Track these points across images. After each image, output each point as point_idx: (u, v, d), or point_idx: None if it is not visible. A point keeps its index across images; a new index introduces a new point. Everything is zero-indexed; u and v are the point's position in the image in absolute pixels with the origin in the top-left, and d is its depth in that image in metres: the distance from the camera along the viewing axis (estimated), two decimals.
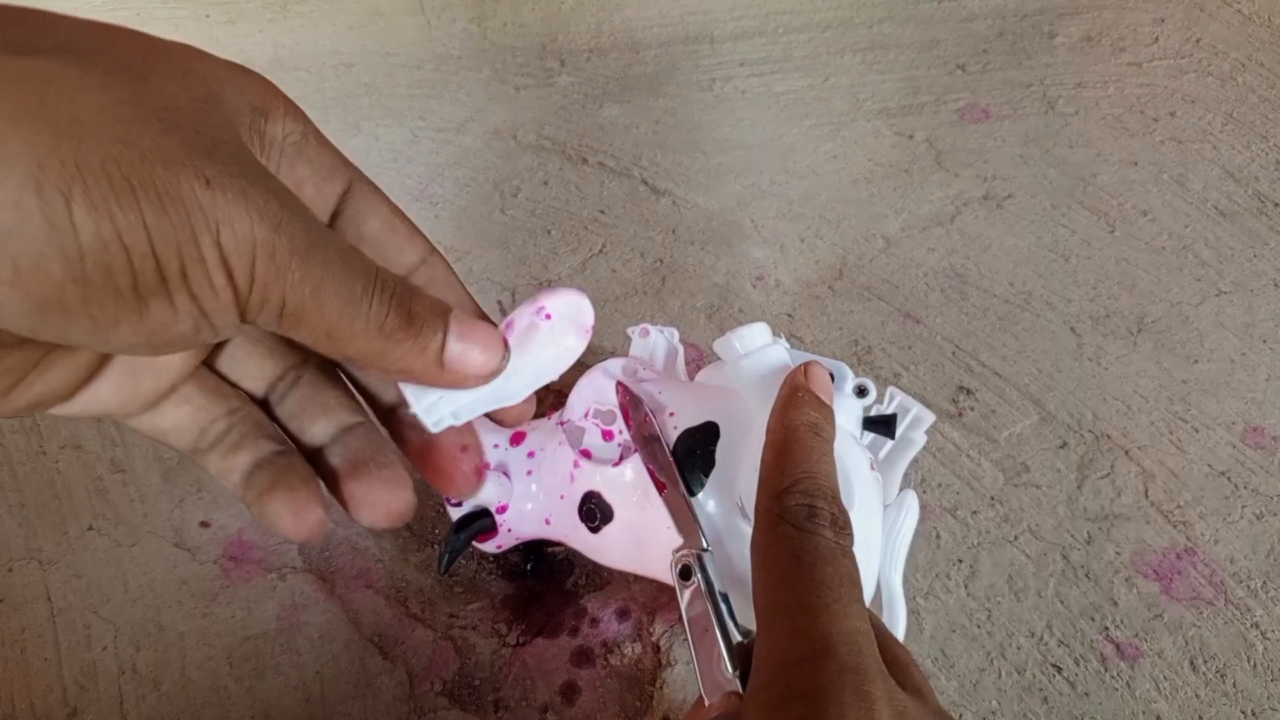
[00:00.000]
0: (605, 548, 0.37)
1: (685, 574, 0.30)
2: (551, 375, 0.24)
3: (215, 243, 0.16)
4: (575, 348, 0.24)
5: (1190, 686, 0.39)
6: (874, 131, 0.63)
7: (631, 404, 0.35)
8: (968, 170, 0.61)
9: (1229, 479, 0.45)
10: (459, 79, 0.68)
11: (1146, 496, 0.45)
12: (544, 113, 0.65)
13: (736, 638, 0.28)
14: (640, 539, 0.36)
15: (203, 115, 0.18)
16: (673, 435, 0.35)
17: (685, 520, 0.32)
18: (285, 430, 0.24)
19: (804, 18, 0.71)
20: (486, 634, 0.41)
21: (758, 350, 0.32)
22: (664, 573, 0.37)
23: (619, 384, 0.36)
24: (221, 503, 0.45)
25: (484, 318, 0.23)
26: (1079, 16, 0.71)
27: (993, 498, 0.45)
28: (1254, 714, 0.38)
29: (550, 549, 0.44)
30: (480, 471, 0.25)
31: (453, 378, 0.21)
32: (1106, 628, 0.41)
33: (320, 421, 0.23)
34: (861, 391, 0.37)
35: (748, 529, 0.33)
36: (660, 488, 0.33)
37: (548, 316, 0.23)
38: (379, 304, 0.19)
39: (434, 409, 0.22)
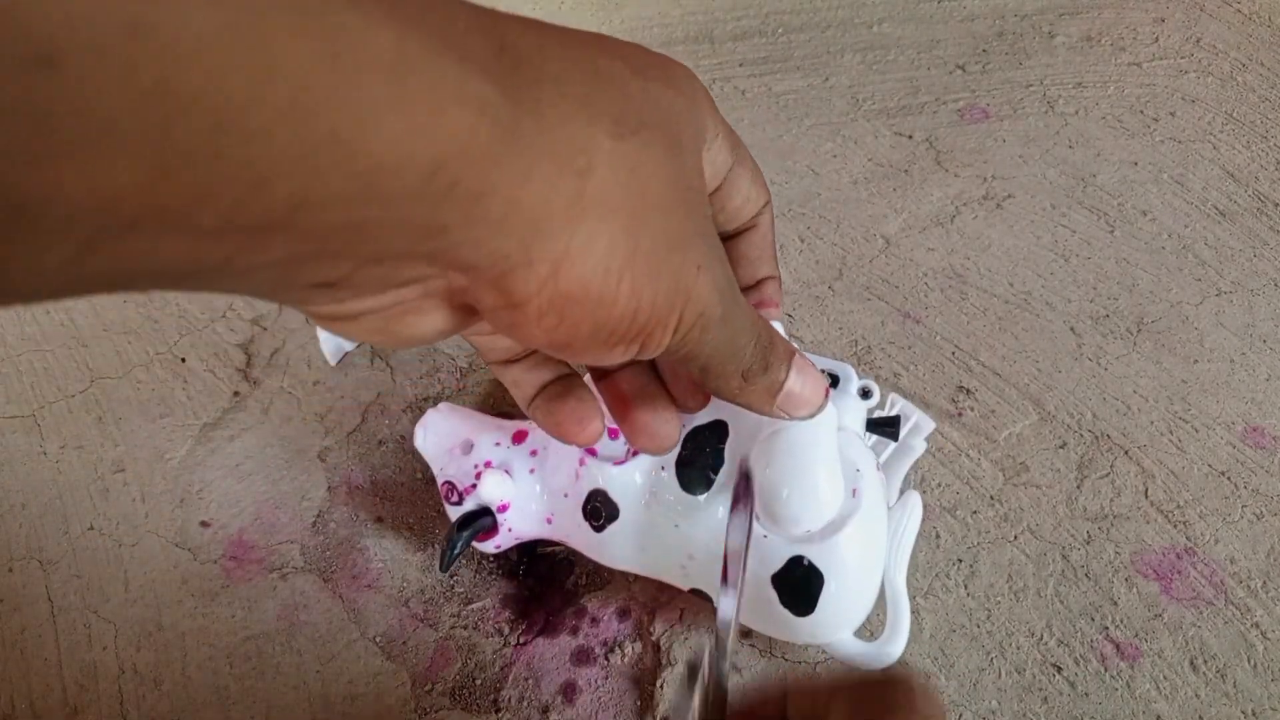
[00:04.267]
0: (608, 547, 0.37)
1: (691, 674, 0.28)
2: None
3: (681, 314, 0.20)
4: None
5: (1190, 686, 0.39)
6: (874, 131, 0.63)
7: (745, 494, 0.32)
8: (968, 170, 0.61)
9: (1229, 479, 0.45)
10: None
11: (1146, 496, 0.45)
12: None
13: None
14: (644, 539, 0.36)
15: (700, 188, 0.21)
16: (681, 434, 0.35)
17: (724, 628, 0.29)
18: None
19: (804, 18, 0.71)
20: (488, 634, 0.41)
21: None
22: (666, 575, 0.37)
23: (743, 469, 0.32)
24: (222, 503, 0.45)
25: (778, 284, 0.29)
26: (1079, 16, 0.71)
27: (992, 497, 0.45)
28: (1254, 714, 0.38)
29: (548, 549, 0.44)
30: (676, 436, 0.28)
31: (779, 412, 0.26)
32: (1106, 627, 0.41)
33: None
34: (865, 393, 0.37)
35: (755, 527, 0.33)
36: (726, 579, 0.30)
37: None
38: (751, 356, 0.23)
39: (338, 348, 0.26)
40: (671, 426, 0.27)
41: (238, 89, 0.12)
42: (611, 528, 0.36)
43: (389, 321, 0.19)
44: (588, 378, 0.29)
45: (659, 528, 0.35)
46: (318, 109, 0.13)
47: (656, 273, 0.19)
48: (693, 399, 0.28)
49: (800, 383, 0.25)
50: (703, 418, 0.35)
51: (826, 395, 0.27)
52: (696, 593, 0.37)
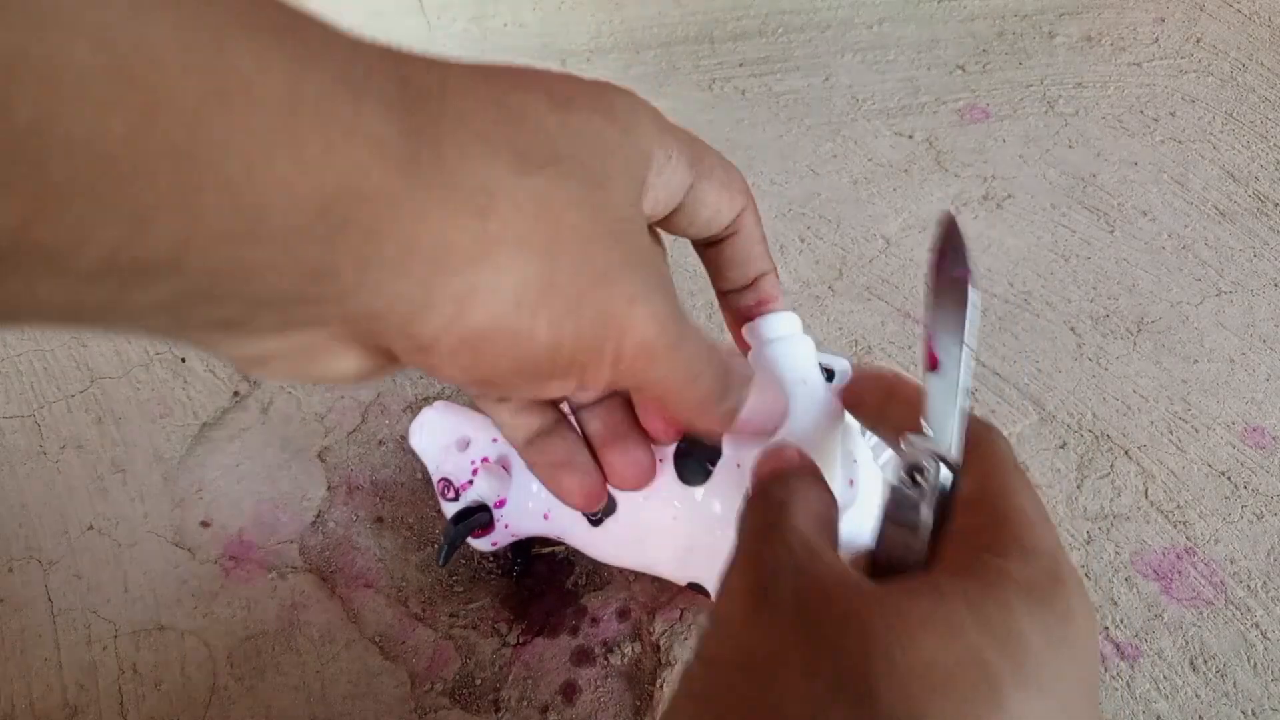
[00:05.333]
0: (605, 542, 0.37)
1: (914, 477, 0.24)
2: None
3: (618, 346, 0.20)
4: None
5: (1190, 686, 0.39)
6: (874, 131, 0.63)
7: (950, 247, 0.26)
8: (968, 170, 0.61)
9: (1229, 479, 0.45)
10: None
11: (1146, 496, 0.45)
12: None
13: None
14: (642, 533, 0.36)
15: (633, 217, 0.21)
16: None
17: (942, 413, 0.25)
18: None
19: (804, 18, 0.71)
20: (487, 633, 0.41)
21: (785, 339, 0.32)
22: (663, 569, 0.37)
23: (947, 217, 0.26)
24: (222, 502, 0.45)
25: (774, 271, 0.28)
26: (1079, 16, 0.71)
27: None
28: (1254, 714, 0.38)
29: (546, 549, 0.44)
30: (651, 474, 0.28)
31: (735, 435, 0.25)
32: (1106, 628, 0.41)
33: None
34: None
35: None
36: (931, 364, 0.26)
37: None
38: (709, 382, 0.23)
39: None
40: (640, 466, 0.27)
41: (119, 128, 0.12)
42: (609, 522, 0.36)
43: (300, 364, 0.19)
44: (566, 407, 0.28)
45: (657, 520, 0.35)
46: (203, 149, 0.13)
47: (578, 306, 0.19)
48: (664, 433, 0.28)
49: (758, 404, 0.25)
50: None
51: (784, 415, 0.27)
52: (694, 587, 0.36)
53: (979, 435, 0.24)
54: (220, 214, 0.14)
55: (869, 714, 0.18)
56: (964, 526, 0.22)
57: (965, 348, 0.25)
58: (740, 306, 0.29)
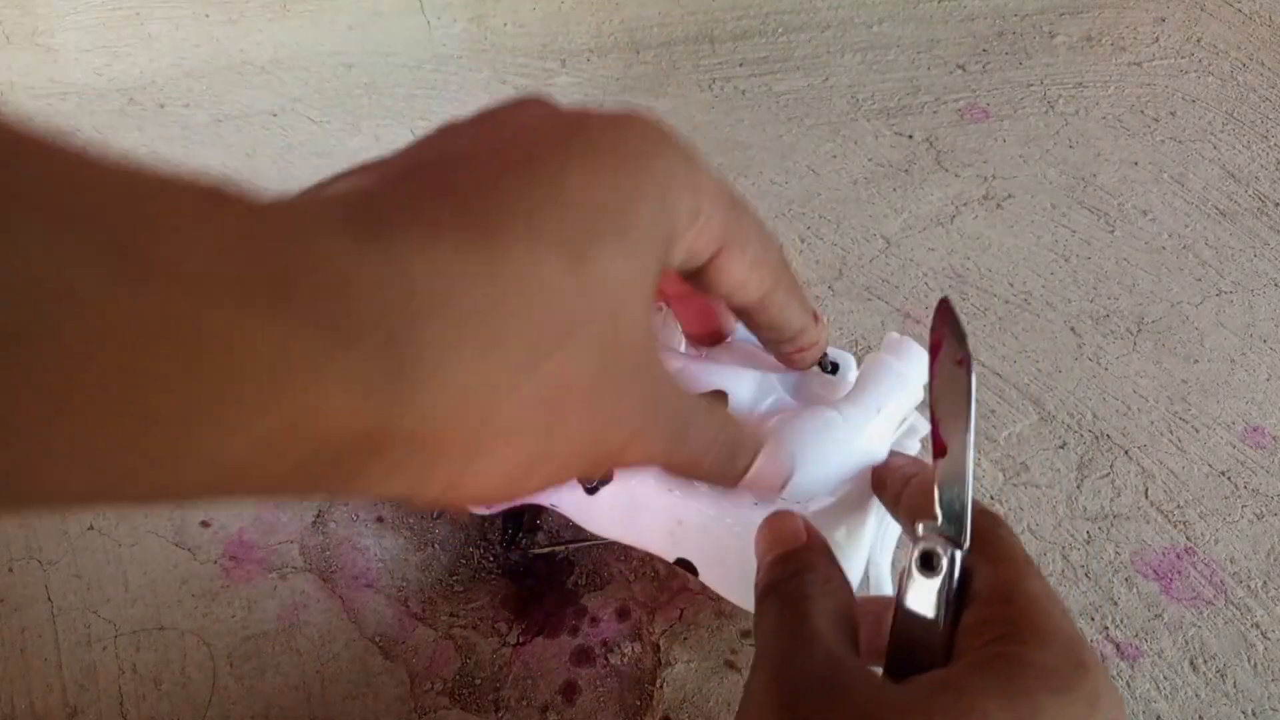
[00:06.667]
0: (598, 512, 0.37)
1: (927, 563, 0.24)
2: None
3: (616, 464, 0.20)
4: None
5: (1190, 686, 0.39)
6: (874, 131, 0.63)
7: (949, 333, 0.27)
8: (968, 170, 0.61)
9: (1229, 479, 0.45)
10: (459, 79, 0.68)
11: (1146, 496, 0.45)
12: None
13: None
14: (635, 505, 0.36)
15: (641, 343, 0.19)
16: None
17: (952, 499, 0.26)
18: None
19: (804, 18, 0.71)
20: (487, 633, 0.41)
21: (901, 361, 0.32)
22: (653, 543, 0.37)
23: (943, 303, 0.27)
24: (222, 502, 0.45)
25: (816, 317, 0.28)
26: (1079, 16, 0.71)
27: (992, 497, 0.45)
28: (1254, 714, 0.38)
29: (545, 549, 0.44)
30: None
31: (740, 490, 0.25)
32: (1106, 628, 0.41)
33: None
34: (833, 368, 0.37)
35: (752, 502, 0.33)
36: (939, 450, 0.26)
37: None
38: (711, 462, 0.23)
39: None
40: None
41: (94, 402, 0.12)
42: (604, 490, 0.36)
43: None
44: None
45: (651, 491, 0.35)
46: (184, 421, 0.13)
47: (576, 457, 0.18)
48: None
49: (759, 470, 0.25)
50: (701, 385, 0.34)
51: (784, 486, 0.27)
52: (681, 563, 0.36)
53: (986, 527, 0.25)
54: (201, 477, 0.14)
55: None
56: (980, 617, 0.23)
57: (969, 433, 0.26)
58: (777, 353, 0.29)
